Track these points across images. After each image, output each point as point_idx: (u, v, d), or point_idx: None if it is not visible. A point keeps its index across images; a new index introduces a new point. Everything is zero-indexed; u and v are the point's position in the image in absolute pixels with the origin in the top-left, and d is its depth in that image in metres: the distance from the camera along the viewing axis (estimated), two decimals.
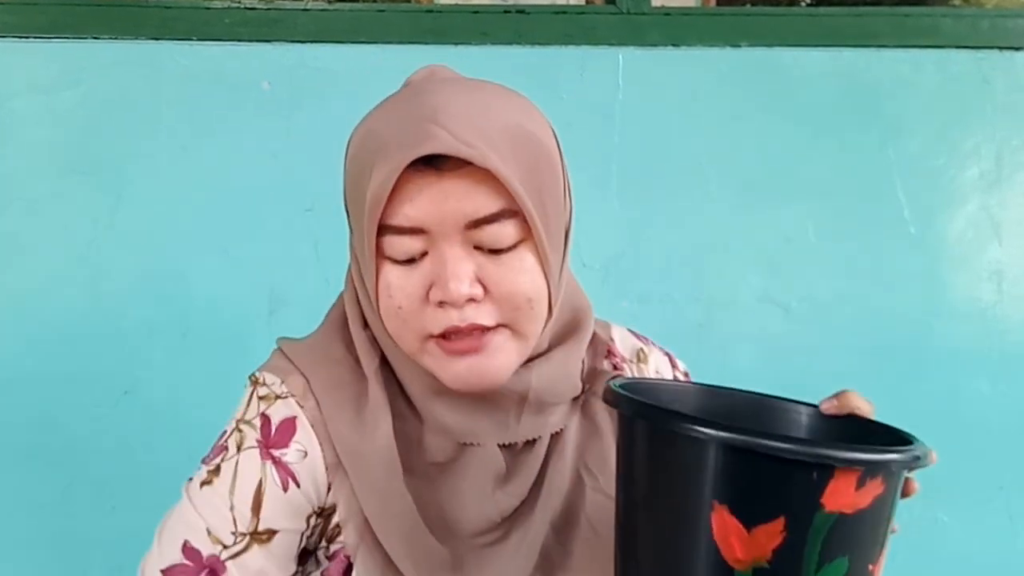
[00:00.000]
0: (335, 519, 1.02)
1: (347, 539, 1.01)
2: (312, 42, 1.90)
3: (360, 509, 1.01)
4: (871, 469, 0.75)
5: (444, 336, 0.95)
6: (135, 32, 1.90)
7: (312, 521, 1.02)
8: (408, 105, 0.96)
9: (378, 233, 0.93)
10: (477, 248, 0.94)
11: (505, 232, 0.93)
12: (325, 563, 1.04)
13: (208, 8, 1.92)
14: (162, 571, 0.97)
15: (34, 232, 1.86)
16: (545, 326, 1.01)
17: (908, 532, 1.90)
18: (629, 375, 1.15)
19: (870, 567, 0.79)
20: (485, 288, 0.94)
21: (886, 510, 0.79)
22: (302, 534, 1.02)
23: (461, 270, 0.92)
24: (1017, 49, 1.98)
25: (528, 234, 0.95)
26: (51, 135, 1.89)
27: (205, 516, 0.99)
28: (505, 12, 1.94)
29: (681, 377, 1.23)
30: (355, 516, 1.01)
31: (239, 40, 1.90)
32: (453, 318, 0.93)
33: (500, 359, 0.97)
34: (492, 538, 1.02)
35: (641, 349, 1.21)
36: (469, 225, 0.92)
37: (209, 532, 0.98)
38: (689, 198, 1.94)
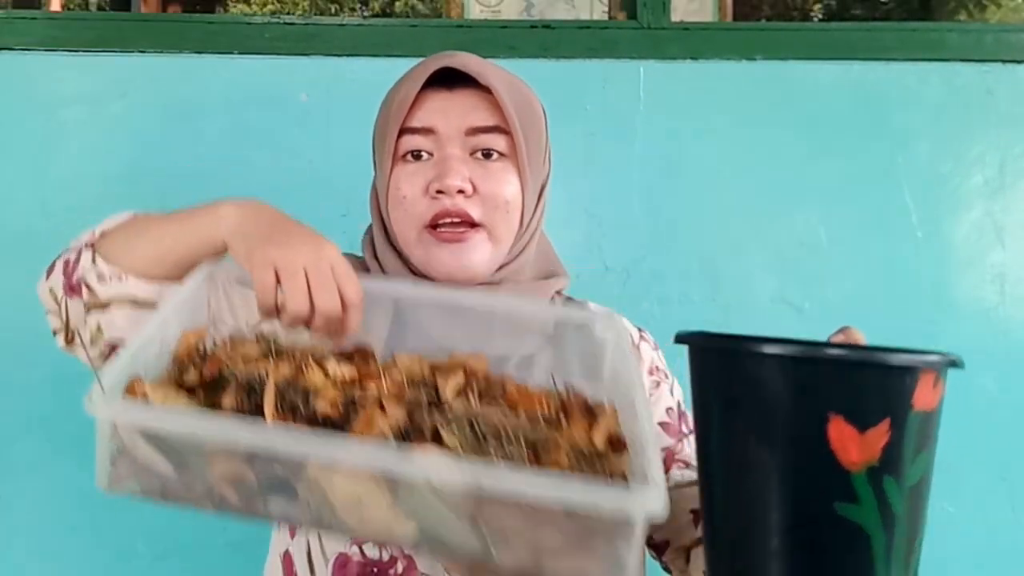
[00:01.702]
0: None
1: None
2: (348, 55, 1.94)
3: None
4: (942, 370, 0.86)
5: (435, 225, 1.18)
6: (179, 46, 1.94)
7: None
8: (434, 56, 1.23)
9: (398, 136, 1.20)
10: (472, 155, 1.20)
11: (496, 142, 1.20)
12: None
13: (249, 23, 1.97)
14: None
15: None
16: (517, 242, 1.24)
17: None
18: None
19: (934, 459, 0.89)
20: (474, 188, 1.18)
21: (942, 407, 0.90)
22: None
23: (458, 168, 1.18)
24: (1020, 62, 2.01)
25: (513, 152, 1.21)
26: (97, 144, 1.92)
27: None
28: (532, 27, 1.98)
29: (651, 345, 1.37)
30: None
31: (278, 54, 1.94)
32: (446, 204, 1.17)
33: (477, 253, 1.19)
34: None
35: (611, 312, 1.31)
36: (469, 131, 1.19)
37: None
38: (707, 204, 1.97)
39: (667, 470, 1.27)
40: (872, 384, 0.84)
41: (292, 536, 1.20)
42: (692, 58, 1.98)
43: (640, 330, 1.38)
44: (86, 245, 1.18)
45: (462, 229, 1.18)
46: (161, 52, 1.94)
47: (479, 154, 1.20)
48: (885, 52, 2.00)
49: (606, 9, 3.35)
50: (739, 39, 2.00)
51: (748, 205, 1.98)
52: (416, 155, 1.21)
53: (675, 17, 2.04)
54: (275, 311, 1.01)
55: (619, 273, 1.94)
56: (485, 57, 1.90)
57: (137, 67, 1.93)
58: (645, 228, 1.96)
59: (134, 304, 1.12)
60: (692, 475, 1.24)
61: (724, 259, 1.97)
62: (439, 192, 1.17)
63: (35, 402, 1.89)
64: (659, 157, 1.97)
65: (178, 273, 1.09)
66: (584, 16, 3.31)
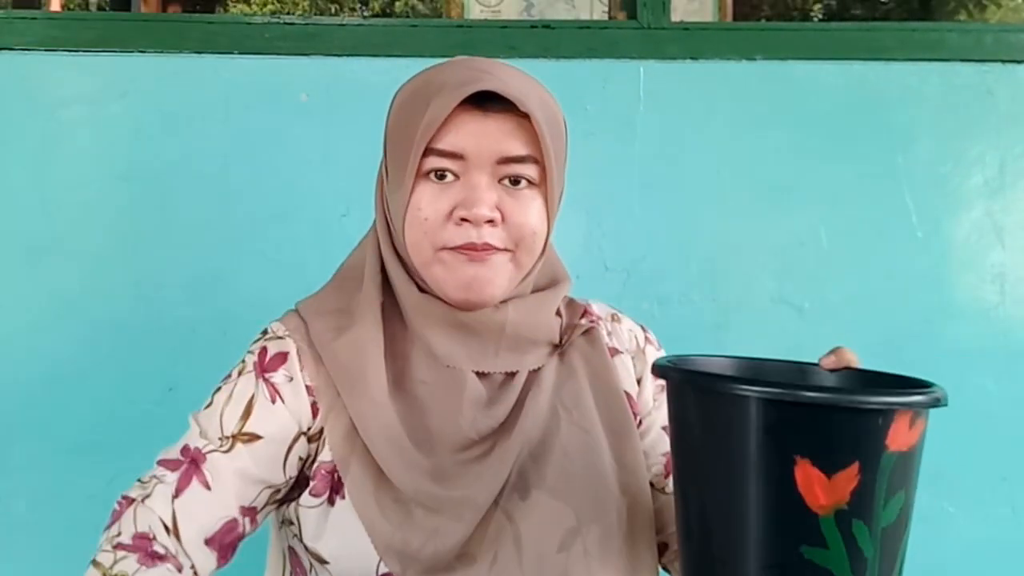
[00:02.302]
0: (324, 434, 1.15)
1: (335, 451, 1.14)
2: (348, 55, 1.94)
3: (350, 421, 1.14)
4: (920, 409, 0.85)
5: (458, 250, 1.12)
6: (179, 46, 1.93)
7: (299, 444, 1.16)
8: (462, 63, 1.16)
9: (423, 155, 1.11)
10: (500, 183, 1.13)
11: (527, 171, 1.13)
12: (311, 482, 1.16)
13: (249, 23, 1.97)
14: (157, 462, 1.14)
15: (81, 236, 1.90)
16: (534, 266, 1.19)
17: (915, 522, 1.97)
18: (604, 331, 1.30)
19: (914, 496, 0.89)
20: (501, 217, 1.12)
21: (922, 444, 0.88)
22: (287, 451, 1.15)
23: (488, 196, 1.11)
24: (1020, 62, 2.01)
25: (542, 181, 1.15)
26: (98, 144, 1.92)
27: (201, 424, 1.16)
28: (532, 27, 1.98)
29: (655, 347, 1.36)
30: (343, 427, 1.14)
31: (278, 54, 1.93)
32: (471, 235, 1.11)
33: (498, 275, 1.13)
34: (471, 455, 1.14)
35: (615, 313, 1.37)
36: (501, 160, 1.12)
37: (200, 434, 1.15)
38: (707, 204, 1.97)
39: (667, 475, 1.27)
40: (841, 427, 0.83)
41: None
42: (692, 58, 1.98)
43: (644, 329, 1.37)
44: None
45: (485, 251, 1.12)
46: (161, 52, 1.94)
47: (507, 181, 1.14)
48: (885, 52, 2.00)
49: (606, 9, 3.35)
50: (739, 39, 2.00)
51: (748, 205, 1.98)
52: (440, 175, 1.13)
53: (675, 17, 2.04)
54: None
55: (619, 273, 1.94)
56: (485, 58, 1.93)
57: (137, 67, 1.93)
58: (645, 228, 1.96)
59: None
60: None
61: (723, 259, 1.98)
62: (464, 220, 1.11)
63: (35, 402, 1.88)
64: (659, 157, 1.97)
65: None
66: (584, 16, 3.31)
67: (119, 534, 1.10)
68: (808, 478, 0.83)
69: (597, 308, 1.34)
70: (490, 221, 1.11)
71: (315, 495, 1.15)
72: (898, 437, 0.83)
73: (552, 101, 1.19)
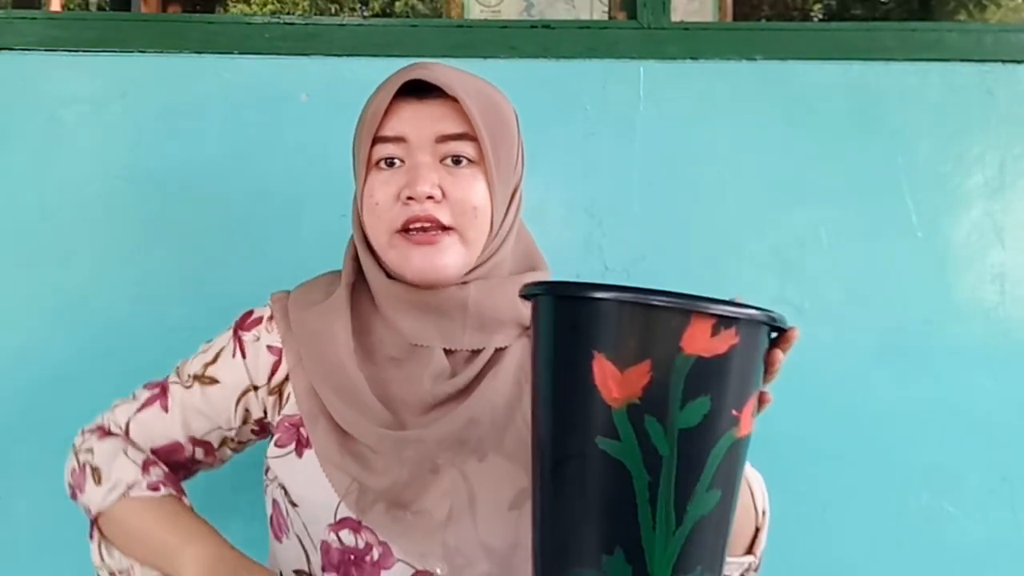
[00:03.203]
0: (287, 390, 1.32)
1: (301, 407, 1.29)
2: (348, 56, 1.93)
3: (314, 382, 1.28)
4: (722, 318, 0.88)
5: (407, 230, 1.24)
6: (179, 46, 1.93)
7: (249, 397, 1.36)
8: (408, 65, 1.31)
9: (372, 144, 1.26)
10: (442, 162, 1.25)
11: (465, 149, 1.25)
12: (273, 436, 1.34)
13: (249, 23, 1.97)
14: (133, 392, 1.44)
15: (81, 236, 1.90)
16: (488, 246, 1.29)
17: (915, 521, 1.98)
18: None
19: (733, 412, 0.93)
20: (444, 193, 1.24)
21: (746, 362, 0.93)
22: (237, 400, 1.36)
23: (428, 175, 1.23)
24: (1020, 62, 2.00)
25: (482, 159, 1.26)
26: (98, 144, 1.91)
27: (179, 367, 1.44)
28: (532, 27, 1.98)
29: None
30: (306, 385, 1.29)
31: (278, 54, 1.93)
32: (415, 210, 1.23)
33: (449, 255, 1.25)
34: (431, 419, 1.24)
35: None
36: (439, 139, 1.25)
37: (177, 372, 1.42)
38: (706, 204, 1.97)
39: None
40: (634, 324, 0.89)
41: (283, 533, 1.31)
42: (692, 58, 1.97)
43: None
44: (92, 521, 1.41)
45: (433, 232, 1.24)
46: (161, 52, 1.93)
47: (448, 161, 1.26)
48: (885, 52, 1.99)
49: (606, 9, 3.35)
50: (739, 39, 1.99)
51: (748, 205, 1.97)
52: (389, 162, 1.27)
53: (675, 17, 2.04)
54: None
55: (619, 273, 1.94)
56: (485, 57, 1.93)
57: (137, 67, 1.93)
58: (645, 228, 1.96)
59: None
60: None
61: (723, 259, 1.97)
62: (409, 198, 1.23)
63: (35, 402, 1.88)
64: (659, 157, 1.96)
65: None
66: (584, 16, 3.32)
67: (83, 430, 1.44)
68: (603, 372, 0.89)
69: None
70: (431, 197, 1.23)
71: (280, 446, 1.31)
72: (695, 342, 0.87)
73: (495, 93, 1.32)
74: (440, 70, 1.27)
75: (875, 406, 1.95)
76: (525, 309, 1.28)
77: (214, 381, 1.37)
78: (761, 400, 1.01)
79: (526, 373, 1.25)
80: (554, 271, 1.45)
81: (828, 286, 1.97)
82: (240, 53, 1.94)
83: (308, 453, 1.27)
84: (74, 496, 1.42)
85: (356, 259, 1.35)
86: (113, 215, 1.91)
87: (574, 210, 1.95)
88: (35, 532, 1.89)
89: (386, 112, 1.26)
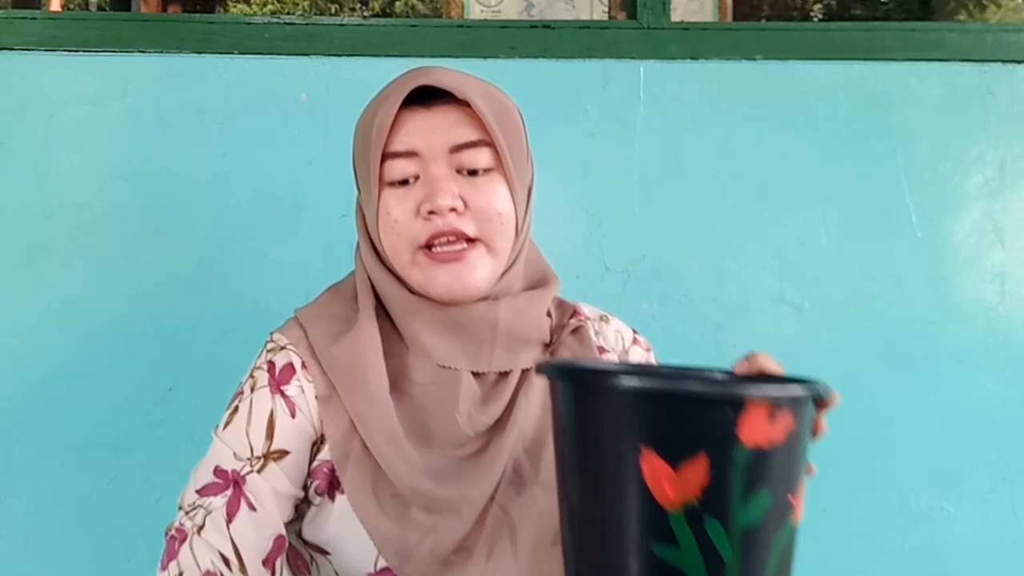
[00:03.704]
0: (324, 436, 1.19)
1: (334, 450, 1.17)
2: (348, 56, 1.94)
3: (349, 420, 1.17)
4: (777, 402, 0.79)
5: (430, 246, 1.16)
6: (179, 46, 1.93)
7: (312, 450, 1.19)
8: (408, 72, 1.21)
9: (381, 161, 1.17)
10: (459, 172, 1.17)
11: (481, 157, 1.17)
12: (310, 482, 1.19)
13: (249, 23, 1.97)
14: (197, 491, 1.16)
15: (81, 236, 1.90)
16: (514, 252, 1.22)
17: (916, 523, 1.98)
18: (592, 331, 1.33)
19: (789, 497, 0.84)
20: (465, 204, 1.16)
21: (799, 444, 0.83)
22: (310, 460, 1.19)
23: (446, 186, 1.15)
24: (1020, 62, 2.01)
25: (499, 164, 1.18)
26: (98, 144, 1.92)
27: (230, 444, 1.18)
28: (532, 27, 1.98)
29: (643, 348, 1.39)
30: (343, 427, 1.17)
31: (278, 54, 1.93)
32: (439, 224, 1.15)
33: (478, 270, 1.17)
34: (467, 452, 1.17)
35: (604, 315, 1.39)
36: (453, 149, 1.17)
37: (234, 455, 1.17)
38: (707, 204, 1.97)
39: None
40: (685, 416, 0.79)
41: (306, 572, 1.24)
42: (692, 58, 1.98)
43: (634, 332, 1.40)
44: None
45: (459, 247, 1.17)
46: (161, 52, 1.93)
47: (465, 172, 1.18)
48: (885, 52, 2.00)
49: (606, 9, 3.35)
50: (739, 39, 2.00)
51: (748, 205, 1.97)
52: (403, 180, 1.18)
53: (675, 17, 2.04)
54: None
55: (619, 273, 1.94)
56: (485, 57, 1.94)
57: (137, 67, 1.93)
58: (645, 228, 1.96)
59: None
60: None
61: (723, 259, 1.98)
62: (431, 213, 1.15)
63: (35, 402, 1.88)
64: (659, 157, 1.97)
65: None
66: (584, 16, 3.32)
67: (181, 574, 1.11)
68: (654, 470, 0.79)
69: (587, 309, 1.37)
70: (453, 210, 1.15)
71: (318, 493, 1.18)
72: (754, 431, 0.79)
73: (500, 94, 1.24)
74: (444, 74, 1.19)
75: (875, 406, 1.95)
76: (546, 325, 1.27)
77: (285, 453, 1.18)
78: (816, 430, 0.93)
79: None
80: (555, 271, 1.44)
81: (828, 286, 1.98)
82: (240, 53, 1.94)
83: (341, 497, 1.17)
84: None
85: (370, 280, 1.25)
86: (113, 214, 1.91)
87: (574, 210, 1.95)
88: (35, 532, 1.89)
89: (393, 124, 1.16)
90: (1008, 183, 2.00)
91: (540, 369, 0.94)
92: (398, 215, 1.17)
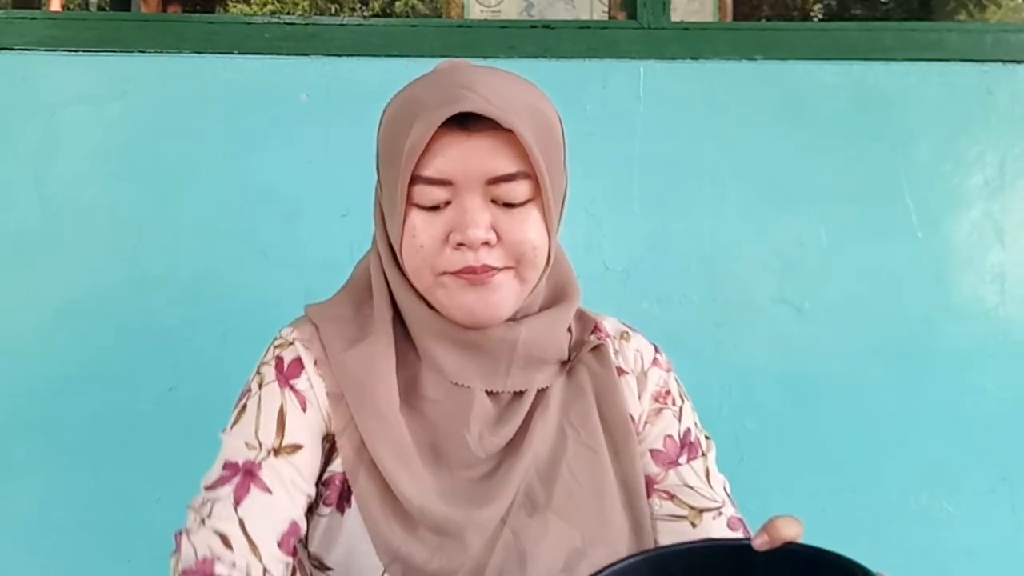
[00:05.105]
0: (336, 447, 1.14)
1: (346, 463, 1.13)
2: (348, 56, 1.93)
3: (358, 434, 1.12)
4: None
5: (458, 274, 1.09)
6: (179, 46, 1.93)
7: (323, 446, 1.15)
8: (445, 77, 1.12)
9: (410, 182, 1.08)
10: (493, 202, 1.09)
11: (519, 190, 1.09)
12: (323, 491, 1.15)
13: (249, 23, 1.97)
14: (206, 488, 1.09)
15: (82, 235, 1.90)
16: (541, 277, 1.15)
17: (916, 523, 1.98)
18: (611, 350, 1.27)
19: None
20: (498, 236, 1.09)
21: None
22: (320, 456, 1.14)
23: (480, 218, 1.07)
24: (1019, 62, 2.01)
25: (537, 194, 1.10)
26: (98, 144, 1.92)
27: (239, 438, 1.11)
28: (532, 27, 1.98)
29: (663, 368, 1.32)
30: (353, 440, 1.13)
31: (279, 54, 1.93)
32: (469, 259, 1.08)
33: (502, 294, 1.10)
34: (478, 473, 1.14)
35: (625, 331, 1.33)
36: (490, 181, 1.07)
37: (245, 445, 1.11)
38: (707, 204, 1.97)
39: (648, 497, 1.26)
40: None
41: None
42: (692, 58, 1.97)
43: (656, 350, 1.34)
44: None
45: (487, 272, 1.09)
46: (161, 52, 1.93)
47: (500, 203, 1.09)
48: (885, 52, 2.00)
49: (606, 9, 3.35)
50: (739, 39, 1.99)
51: (748, 205, 1.97)
52: (433, 205, 1.10)
53: (675, 17, 2.04)
54: None
55: (619, 274, 1.94)
56: (485, 57, 1.93)
57: (137, 67, 1.93)
58: (645, 228, 1.96)
59: None
60: (670, 507, 1.22)
61: (723, 259, 1.97)
62: (460, 244, 1.08)
63: (36, 402, 1.88)
64: (659, 157, 1.96)
65: None
66: (584, 16, 3.32)
67: (180, 571, 1.05)
68: None
69: (608, 325, 1.32)
70: (486, 243, 1.08)
71: (328, 504, 1.14)
72: None
73: (542, 103, 1.14)
74: (488, 92, 1.07)
75: (875, 406, 1.95)
76: (565, 343, 1.21)
77: (297, 447, 1.12)
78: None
79: (568, 417, 1.18)
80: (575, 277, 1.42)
81: (828, 286, 1.98)
82: (240, 53, 1.94)
83: (350, 511, 1.13)
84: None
85: (387, 285, 1.18)
86: (113, 215, 1.91)
87: (574, 210, 1.94)
88: (35, 532, 1.89)
89: (426, 146, 1.06)
90: (1008, 183, 2.00)
91: None
92: (424, 240, 1.09)
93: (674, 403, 1.29)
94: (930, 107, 2.01)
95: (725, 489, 1.26)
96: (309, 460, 1.13)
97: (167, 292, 1.91)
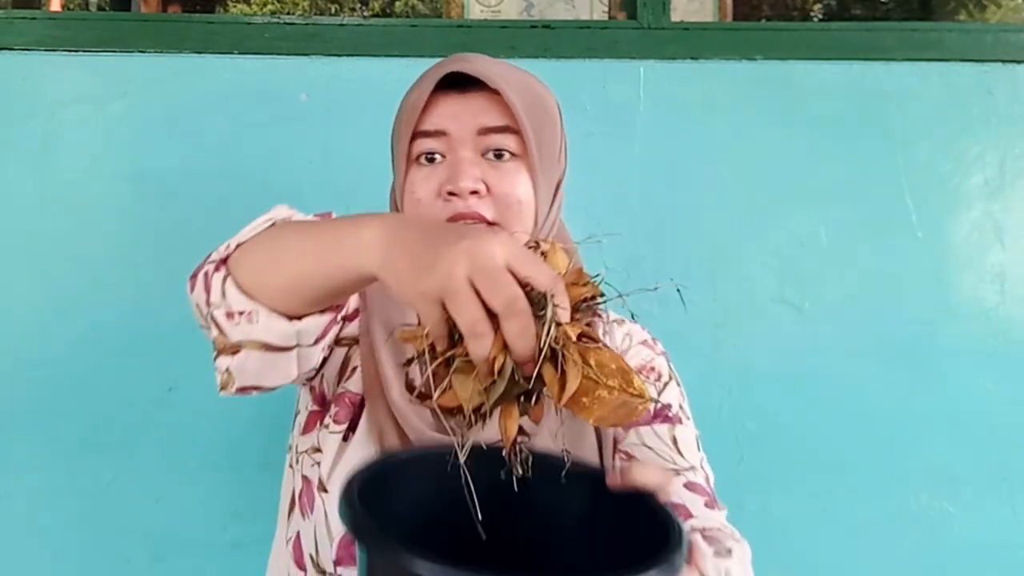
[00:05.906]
0: (352, 362, 1.25)
1: (361, 385, 1.23)
2: (348, 56, 1.94)
3: (373, 361, 1.21)
4: None
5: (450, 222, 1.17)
6: (179, 46, 1.93)
7: (335, 330, 1.19)
8: (450, 57, 1.26)
9: (411, 139, 1.22)
10: (484, 157, 1.21)
11: (508, 142, 1.21)
12: (332, 408, 1.24)
13: (249, 23, 1.97)
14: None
15: (81, 236, 1.90)
16: (533, 237, 1.22)
17: (915, 522, 1.98)
18: (600, 331, 1.30)
19: None
20: (487, 188, 1.20)
21: None
22: (326, 331, 1.13)
23: (469, 169, 1.19)
24: (1019, 62, 2.01)
25: (525, 153, 1.22)
26: (98, 144, 1.92)
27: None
28: (532, 27, 1.98)
29: (655, 349, 1.38)
30: (367, 362, 1.22)
31: (279, 54, 1.93)
32: (459, 206, 1.18)
33: None
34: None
35: (622, 319, 1.42)
36: (481, 131, 1.21)
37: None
38: (706, 204, 1.97)
39: (612, 458, 1.28)
40: None
41: (309, 511, 1.23)
42: (692, 58, 1.97)
43: (650, 337, 1.41)
44: (221, 261, 1.09)
45: (479, 221, 1.20)
46: (161, 52, 1.93)
47: (491, 155, 1.22)
48: (885, 52, 2.00)
49: (606, 9, 3.35)
50: (739, 39, 2.00)
51: (748, 205, 1.97)
52: (429, 158, 1.23)
53: (675, 17, 2.03)
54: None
55: (619, 273, 1.93)
56: None
57: (137, 67, 1.93)
58: (645, 228, 1.96)
59: (265, 348, 1.06)
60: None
61: (724, 259, 1.97)
62: (451, 194, 1.19)
63: (35, 402, 1.88)
64: (659, 157, 1.96)
65: (315, 306, 1.04)
66: (584, 16, 3.32)
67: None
68: None
69: (611, 313, 1.37)
70: (475, 192, 1.19)
71: (337, 422, 1.23)
72: None
73: (537, 85, 1.28)
74: (481, 62, 1.23)
75: (875, 406, 1.95)
76: None
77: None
78: None
79: None
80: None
81: (828, 286, 1.98)
82: (240, 53, 1.94)
83: (353, 439, 1.20)
84: (195, 275, 1.14)
85: None
86: (113, 215, 1.91)
87: (574, 210, 1.94)
88: (35, 532, 1.89)
89: (426, 106, 1.22)
90: (1008, 183, 2.00)
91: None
92: (421, 194, 1.21)
93: (659, 379, 1.34)
94: (930, 107, 2.00)
95: (708, 480, 1.26)
96: (313, 323, 1.09)
97: (167, 292, 1.87)
